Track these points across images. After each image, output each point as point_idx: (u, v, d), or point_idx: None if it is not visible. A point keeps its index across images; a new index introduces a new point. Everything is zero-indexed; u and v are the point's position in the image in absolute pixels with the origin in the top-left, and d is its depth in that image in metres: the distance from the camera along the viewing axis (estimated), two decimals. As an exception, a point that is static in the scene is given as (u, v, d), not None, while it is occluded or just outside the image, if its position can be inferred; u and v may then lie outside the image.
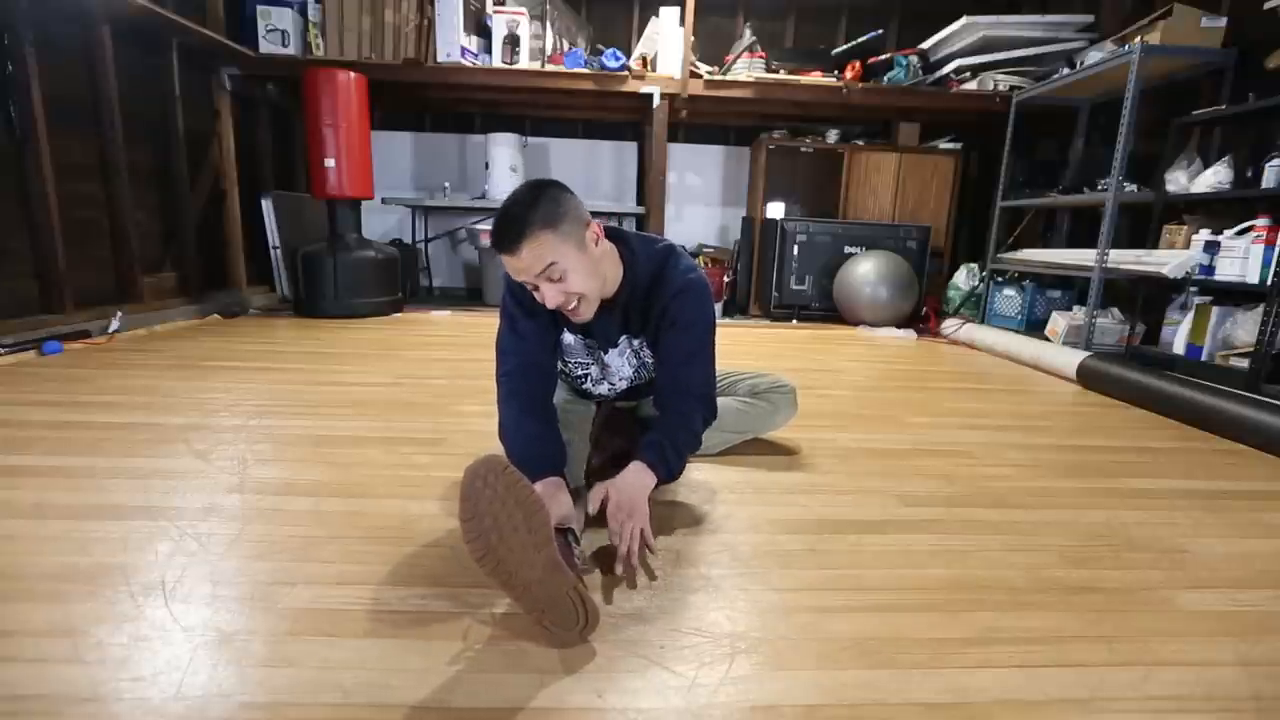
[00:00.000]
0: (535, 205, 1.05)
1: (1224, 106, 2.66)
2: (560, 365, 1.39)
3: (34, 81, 2.50)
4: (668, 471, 1.17)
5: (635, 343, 1.32)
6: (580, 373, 1.39)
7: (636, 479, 1.10)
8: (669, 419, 1.23)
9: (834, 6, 4.54)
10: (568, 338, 1.31)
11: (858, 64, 3.89)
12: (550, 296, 1.09)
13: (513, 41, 3.74)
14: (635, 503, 1.05)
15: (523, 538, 0.80)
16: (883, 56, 3.96)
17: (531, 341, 1.22)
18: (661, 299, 1.23)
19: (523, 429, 1.15)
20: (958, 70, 3.82)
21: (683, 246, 1.36)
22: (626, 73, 3.78)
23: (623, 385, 1.41)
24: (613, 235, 1.23)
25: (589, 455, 1.35)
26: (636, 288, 1.24)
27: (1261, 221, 2.33)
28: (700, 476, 1.44)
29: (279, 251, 3.89)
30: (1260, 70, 2.59)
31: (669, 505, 1.29)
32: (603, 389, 1.42)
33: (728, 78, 3.85)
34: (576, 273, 1.09)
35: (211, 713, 0.70)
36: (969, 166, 4.47)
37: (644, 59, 3.91)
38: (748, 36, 3.94)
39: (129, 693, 0.72)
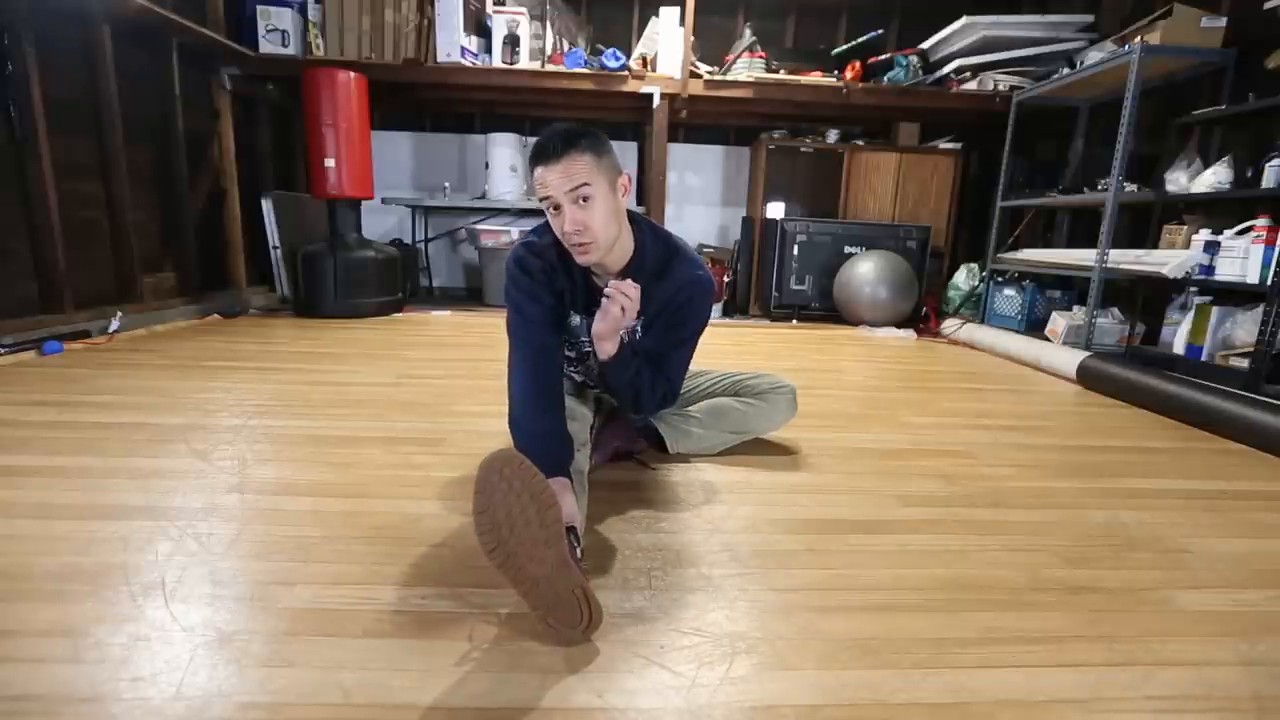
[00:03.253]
0: (584, 132, 1.12)
1: (1224, 106, 2.66)
2: (565, 352, 1.40)
3: (34, 81, 2.50)
4: (639, 398, 1.29)
5: (630, 324, 1.33)
6: (585, 350, 1.40)
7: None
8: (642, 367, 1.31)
9: (834, 6, 4.53)
10: (574, 319, 1.33)
11: (858, 64, 3.89)
12: (570, 219, 1.12)
13: (513, 41, 3.74)
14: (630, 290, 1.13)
15: (535, 533, 0.80)
16: (883, 56, 3.96)
17: (539, 324, 1.24)
18: (668, 289, 1.27)
19: (535, 425, 1.15)
20: (958, 70, 3.82)
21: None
22: (626, 73, 3.78)
23: None
24: (628, 215, 1.26)
25: (589, 456, 1.35)
26: (643, 269, 1.26)
27: (1261, 221, 2.33)
28: (700, 476, 1.44)
29: (279, 251, 3.89)
30: (1260, 70, 2.59)
31: (670, 505, 1.29)
32: None
33: (728, 78, 3.85)
34: (601, 207, 1.13)
35: (211, 713, 0.70)
36: (969, 166, 4.47)
37: (644, 59, 3.91)
38: (748, 36, 3.94)
39: (129, 693, 0.72)
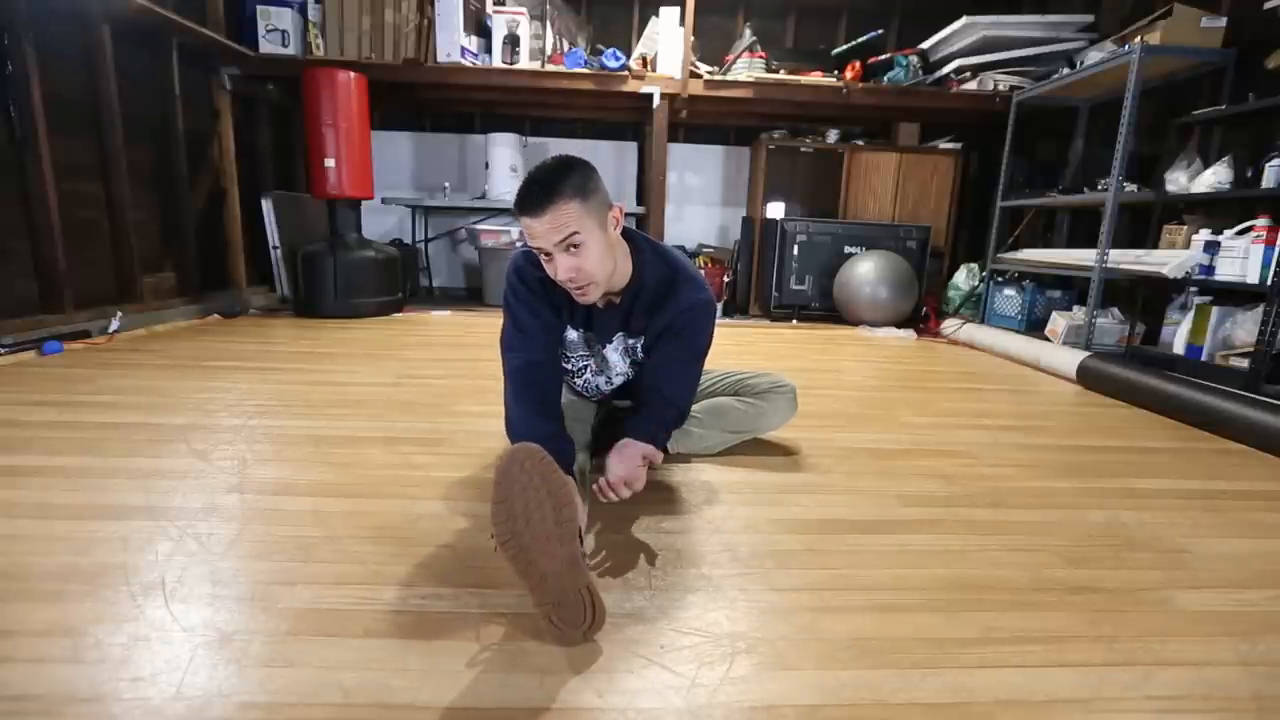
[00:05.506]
0: (568, 174, 1.07)
1: (1224, 106, 2.66)
2: (562, 364, 1.40)
3: (34, 81, 2.50)
4: (660, 443, 1.26)
5: (630, 341, 1.33)
6: (581, 365, 1.40)
7: (634, 450, 1.18)
8: (650, 411, 1.29)
9: (834, 6, 4.54)
10: (570, 334, 1.32)
11: (858, 64, 3.89)
12: (563, 267, 1.09)
13: (513, 41, 3.74)
14: (634, 475, 1.13)
15: (549, 529, 0.81)
16: (883, 56, 3.96)
17: (536, 337, 1.23)
18: (670, 311, 1.25)
19: (533, 428, 1.15)
20: (958, 70, 3.82)
21: (681, 247, 1.38)
22: (626, 73, 3.78)
23: (619, 380, 1.42)
24: (625, 234, 1.24)
25: (590, 454, 1.36)
26: (643, 289, 1.25)
27: (1261, 221, 2.33)
28: (700, 476, 1.44)
29: (279, 251, 3.89)
30: (1260, 70, 2.59)
31: (670, 505, 1.29)
32: (600, 381, 1.43)
33: (728, 78, 3.85)
34: (593, 250, 1.10)
35: (211, 713, 0.70)
36: (969, 166, 4.47)
37: (644, 59, 3.91)
38: (748, 36, 3.94)
39: (129, 693, 0.72)
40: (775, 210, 4.11)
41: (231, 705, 0.71)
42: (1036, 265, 3.38)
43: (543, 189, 1.05)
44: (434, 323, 3.61)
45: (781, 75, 3.92)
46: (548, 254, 1.10)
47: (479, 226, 4.51)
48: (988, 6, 3.87)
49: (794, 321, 4.06)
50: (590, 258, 1.10)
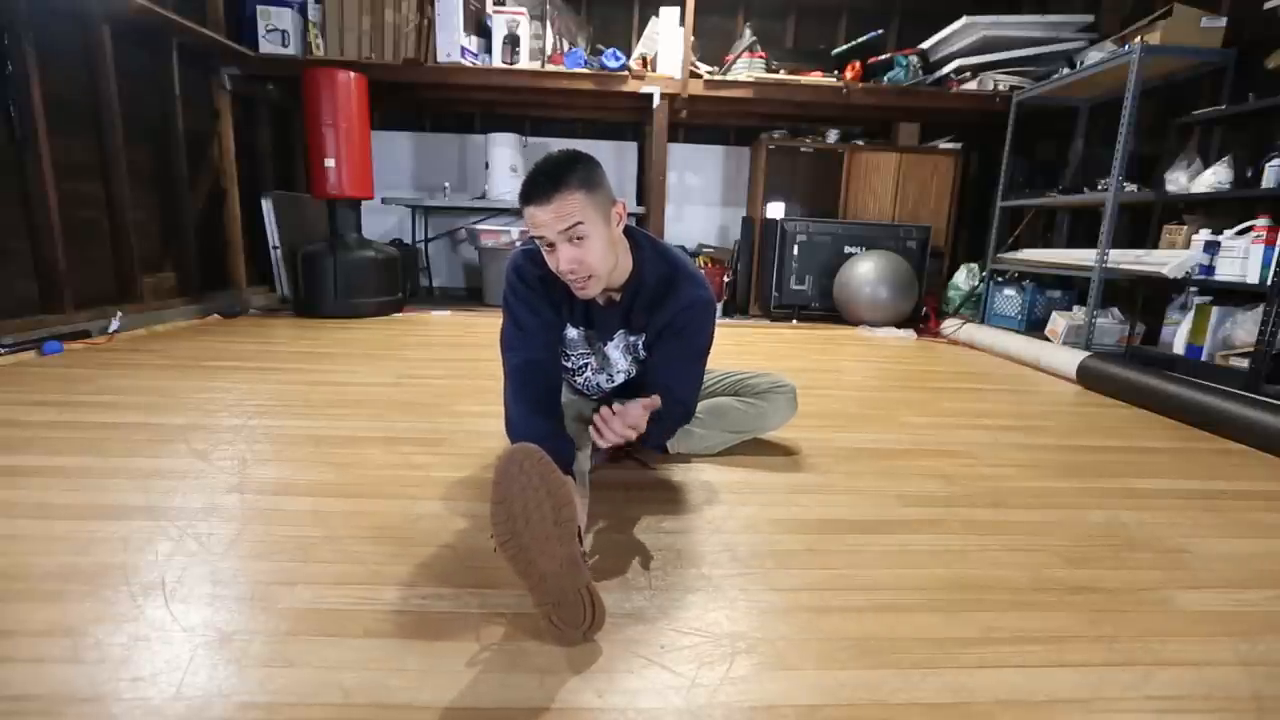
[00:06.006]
0: (574, 165, 1.08)
1: (1224, 106, 2.66)
2: (562, 363, 1.40)
3: (34, 81, 2.50)
4: (660, 432, 1.24)
5: (631, 339, 1.33)
6: (581, 363, 1.40)
7: (634, 403, 1.14)
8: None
9: (834, 6, 4.54)
10: (570, 332, 1.33)
11: (858, 64, 3.89)
12: (565, 258, 1.10)
13: (513, 41, 3.74)
14: (632, 416, 1.09)
15: (549, 529, 0.81)
16: (883, 56, 3.96)
17: (536, 336, 1.24)
18: (670, 309, 1.26)
19: (532, 427, 1.15)
20: (958, 70, 3.82)
21: (682, 247, 1.38)
22: (626, 73, 3.78)
23: (620, 378, 1.43)
24: (626, 232, 1.25)
25: (590, 456, 1.36)
26: (643, 287, 1.25)
27: (1261, 221, 2.33)
28: (700, 476, 1.44)
29: (279, 251, 3.89)
30: (1260, 70, 2.59)
31: (670, 505, 1.29)
32: (601, 379, 1.43)
33: (728, 78, 3.85)
34: (595, 242, 1.10)
35: (211, 713, 0.70)
36: (969, 166, 4.47)
37: (644, 59, 3.91)
38: (748, 36, 3.94)
39: (129, 693, 0.72)
40: (775, 210, 4.11)
41: (231, 705, 0.71)
42: (1036, 265, 3.38)
43: (548, 179, 1.06)
44: (434, 323, 3.61)
45: (781, 75, 3.92)
46: (550, 245, 1.10)
47: (479, 226, 4.51)
48: (988, 6, 3.87)
49: (794, 321, 4.06)
50: (593, 250, 1.10)
